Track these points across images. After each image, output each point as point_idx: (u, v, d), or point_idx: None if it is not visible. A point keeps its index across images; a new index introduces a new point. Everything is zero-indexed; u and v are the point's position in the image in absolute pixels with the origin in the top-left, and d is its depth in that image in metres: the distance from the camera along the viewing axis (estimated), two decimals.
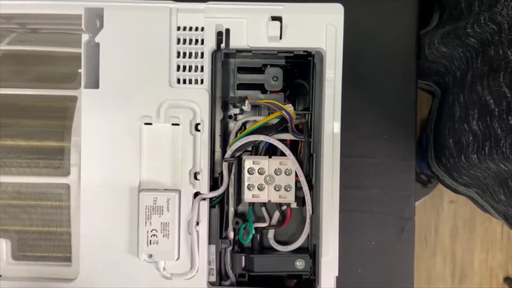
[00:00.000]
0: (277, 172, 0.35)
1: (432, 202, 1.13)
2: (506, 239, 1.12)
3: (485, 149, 0.41)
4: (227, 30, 0.33)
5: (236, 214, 0.36)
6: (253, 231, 0.36)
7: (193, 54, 0.33)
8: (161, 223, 0.32)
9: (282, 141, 0.35)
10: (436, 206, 1.13)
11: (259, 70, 0.36)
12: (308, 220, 0.34)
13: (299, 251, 0.35)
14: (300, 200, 0.36)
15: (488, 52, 0.40)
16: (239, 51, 0.34)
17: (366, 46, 0.45)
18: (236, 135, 0.36)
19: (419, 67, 0.45)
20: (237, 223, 0.35)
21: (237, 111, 0.37)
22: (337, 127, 0.33)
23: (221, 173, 0.35)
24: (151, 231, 0.32)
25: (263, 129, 0.35)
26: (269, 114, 0.36)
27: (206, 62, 0.33)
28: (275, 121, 0.35)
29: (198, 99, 0.33)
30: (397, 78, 0.45)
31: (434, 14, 0.53)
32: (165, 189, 0.33)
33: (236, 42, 0.33)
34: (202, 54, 0.33)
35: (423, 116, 0.71)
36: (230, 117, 0.37)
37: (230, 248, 0.36)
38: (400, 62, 0.45)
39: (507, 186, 0.41)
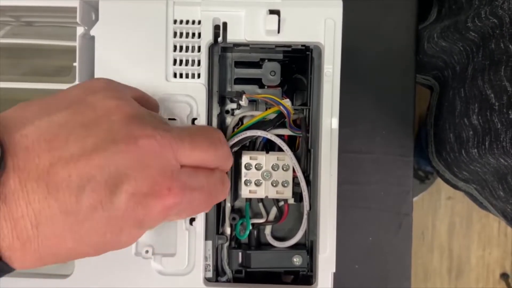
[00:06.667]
0: (274, 167, 0.35)
1: (430, 198, 1.13)
2: (502, 235, 1.12)
3: (485, 144, 0.41)
4: (224, 24, 0.32)
5: (233, 210, 0.36)
6: (250, 227, 0.35)
7: (190, 48, 0.32)
8: None
9: (280, 136, 0.34)
10: (434, 202, 1.13)
11: (257, 65, 0.36)
12: (305, 216, 0.34)
13: (296, 247, 0.35)
14: (298, 196, 0.35)
15: (489, 46, 0.40)
16: (237, 45, 0.34)
17: (365, 40, 0.44)
18: (233, 130, 0.36)
19: (418, 62, 0.45)
20: (234, 219, 0.35)
21: (234, 106, 0.37)
22: (335, 122, 0.32)
23: None
24: None
25: (261, 124, 0.35)
26: (266, 109, 0.35)
27: (203, 56, 0.32)
28: (273, 116, 0.35)
29: (195, 94, 0.32)
30: (396, 73, 0.45)
31: (432, 8, 0.52)
32: None
33: (234, 36, 0.32)
34: (199, 48, 0.32)
35: (422, 111, 0.71)
36: (227, 112, 0.37)
37: (227, 244, 0.35)
38: (399, 57, 0.45)
39: (506, 182, 0.41)
